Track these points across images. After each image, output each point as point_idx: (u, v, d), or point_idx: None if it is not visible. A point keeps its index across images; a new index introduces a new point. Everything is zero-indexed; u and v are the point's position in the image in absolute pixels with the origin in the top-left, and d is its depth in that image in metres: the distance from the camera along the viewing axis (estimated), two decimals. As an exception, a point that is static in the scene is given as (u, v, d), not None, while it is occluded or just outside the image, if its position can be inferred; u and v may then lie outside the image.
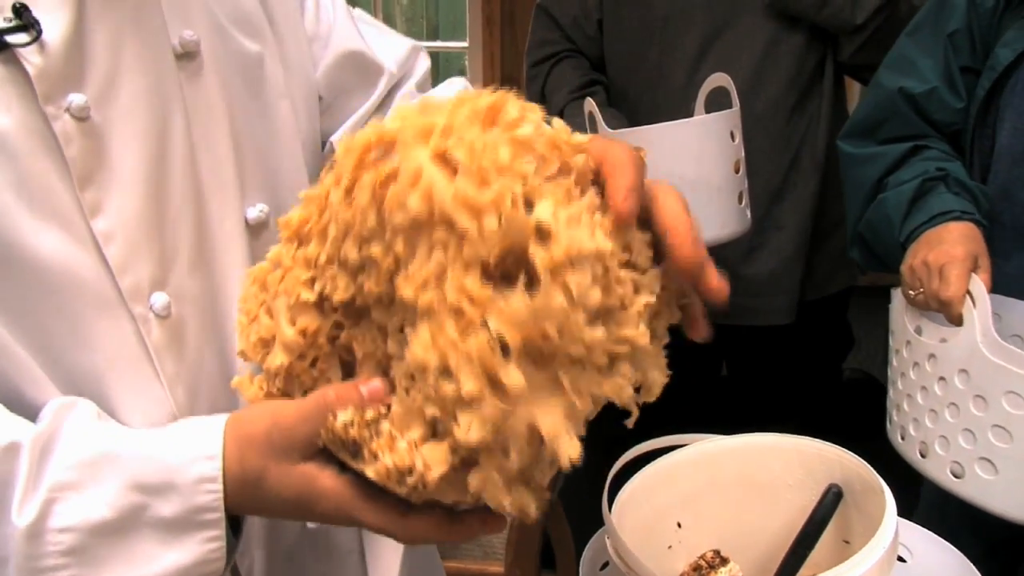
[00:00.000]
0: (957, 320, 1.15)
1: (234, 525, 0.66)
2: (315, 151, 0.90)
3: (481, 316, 0.52)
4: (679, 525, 0.88)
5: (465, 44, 3.22)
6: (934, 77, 1.38)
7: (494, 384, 0.52)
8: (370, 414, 0.59)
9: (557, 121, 0.57)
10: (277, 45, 0.84)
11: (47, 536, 0.61)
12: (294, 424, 0.61)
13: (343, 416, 0.59)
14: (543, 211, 0.52)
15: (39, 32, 0.66)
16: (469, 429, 0.53)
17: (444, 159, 0.53)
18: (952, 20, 1.36)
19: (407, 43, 1.02)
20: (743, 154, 1.37)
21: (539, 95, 1.85)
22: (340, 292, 0.60)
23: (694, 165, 1.28)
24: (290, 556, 0.85)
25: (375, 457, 0.58)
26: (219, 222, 0.77)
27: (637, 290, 0.57)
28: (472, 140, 0.53)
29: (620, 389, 0.56)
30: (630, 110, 1.74)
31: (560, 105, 1.78)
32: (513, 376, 0.51)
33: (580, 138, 0.58)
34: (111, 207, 0.69)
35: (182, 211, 0.74)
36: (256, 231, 0.80)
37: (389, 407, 0.59)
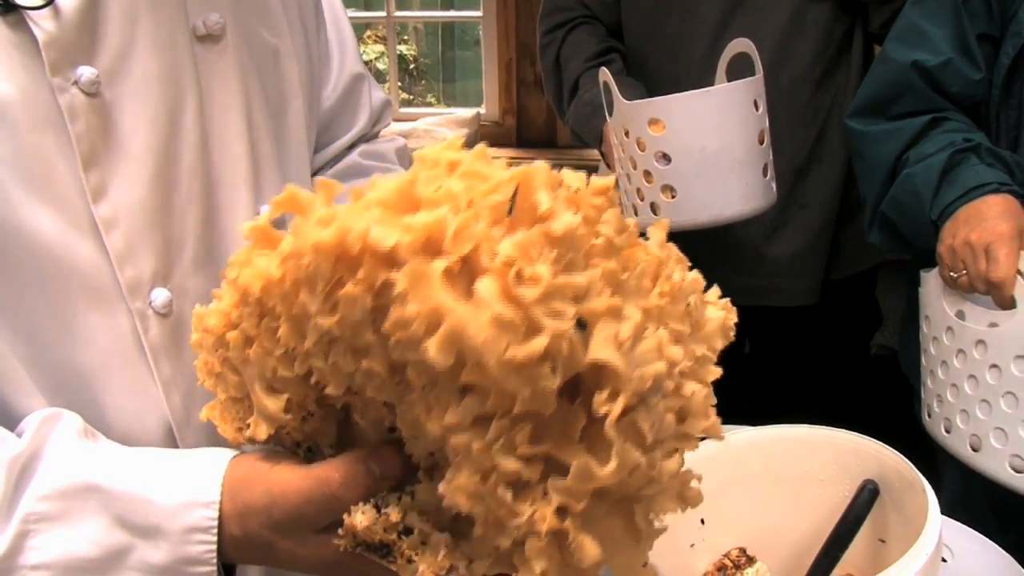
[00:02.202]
0: (1009, 303, 1.08)
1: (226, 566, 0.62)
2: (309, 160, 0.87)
3: (540, 480, 0.45)
4: (702, 522, 0.83)
5: (479, 13, 3.15)
6: (948, 48, 1.30)
7: (560, 544, 0.46)
8: (394, 514, 0.52)
9: (571, 176, 0.48)
10: (293, 45, 0.81)
11: (19, 574, 0.56)
12: (296, 507, 0.55)
13: (362, 517, 0.53)
14: (604, 349, 0.43)
15: None
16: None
17: (460, 277, 0.43)
18: None
19: (383, 97, 1.00)
20: (767, 124, 1.31)
21: (553, 62, 1.79)
22: (332, 389, 0.51)
23: (716, 136, 1.22)
24: None
25: (409, 560, 0.52)
26: (230, 218, 0.73)
27: (702, 364, 0.51)
28: (501, 255, 0.42)
29: (685, 491, 0.49)
30: (649, 80, 1.67)
31: (576, 73, 1.72)
32: (588, 551, 0.45)
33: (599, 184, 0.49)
34: (115, 192, 0.65)
35: (190, 203, 0.70)
36: None
37: (412, 494, 0.53)
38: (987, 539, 0.86)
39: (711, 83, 1.51)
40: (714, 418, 0.50)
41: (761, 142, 1.28)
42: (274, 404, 0.54)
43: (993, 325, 1.08)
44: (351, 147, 0.96)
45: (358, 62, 0.95)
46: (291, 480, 0.55)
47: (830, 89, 1.66)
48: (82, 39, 0.64)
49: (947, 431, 1.13)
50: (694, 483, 0.49)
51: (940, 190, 1.25)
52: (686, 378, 0.48)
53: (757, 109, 1.27)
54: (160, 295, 0.67)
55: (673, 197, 1.29)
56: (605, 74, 1.33)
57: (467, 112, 3.19)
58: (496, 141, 3.13)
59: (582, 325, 0.42)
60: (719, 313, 0.54)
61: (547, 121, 3.18)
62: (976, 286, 1.13)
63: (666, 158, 1.24)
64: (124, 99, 0.66)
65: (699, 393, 0.48)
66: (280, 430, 0.56)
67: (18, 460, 0.58)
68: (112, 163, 0.65)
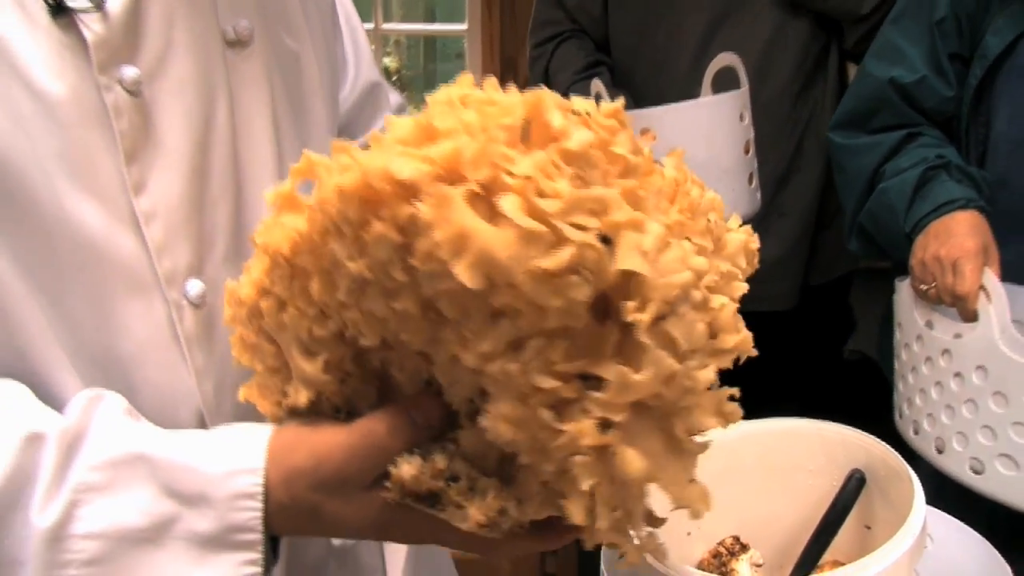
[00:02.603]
0: (972, 316, 1.14)
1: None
2: None
3: (579, 397, 0.46)
4: (699, 511, 0.87)
5: (464, 27, 3.19)
6: (923, 65, 1.37)
7: (605, 459, 0.46)
8: (440, 461, 0.53)
9: (580, 102, 0.49)
10: (313, 51, 0.84)
11: (70, 543, 0.57)
12: (342, 462, 0.56)
13: (408, 467, 0.53)
14: (630, 258, 0.43)
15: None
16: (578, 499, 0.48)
17: (482, 200, 0.43)
18: (938, 7, 1.35)
19: (399, 99, 1.04)
20: (752, 135, 1.36)
21: (542, 75, 1.84)
22: (367, 339, 0.52)
23: (704, 147, 1.28)
24: (314, 572, 0.82)
25: (459, 506, 0.53)
26: (257, 213, 0.75)
27: (728, 280, 0.52)
28: (519, 174, 0.43)
29: (723, 406, 0.50)
30: (635, 93, 1.73)
31: (565, 85, 1.77)
32: (633, 463, 0.46)
33: (608, 108, 0.50)
34: (155, 185, 0.68)
35: (221, 198, 0.73)
36: None
37: (455, 441, 0.53)
38: (966, 526, 0.91)
39: (697, 95, 1.56)
40: (745, 332, 0.50)
41: (747, 152, 1.33)
42: (312, 366, 0.55)
43: (958, 336, 1.14)
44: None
45: (374, 69, 0.99)
46: (335, 438, 0.56)
47: (808, 102, 1.73)
48: (127, 40, 0.67)
49: (915, 432, 1.19)
50: (731, 400, 0.50)
51: (913, 204, 1.32)
52: (713, 292, 0.49)
53: (743, 121, 1.33)
54: (195, 286, 0.70)
55: (662, 204, 1.34)
56: (598, 85, 1.38)
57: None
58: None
59: (606, 241, 0.43)
60: (741, 235, 0.56)
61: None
62: (944, 298, 1.20)
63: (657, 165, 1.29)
64: (162, 98, 0.69)
65: (728, 307, 0.49)
66: (320, 396, 0.57)
67: (67, 433, 0.59)
68: (151, 159, 0.68)
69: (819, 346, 1.89)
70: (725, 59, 1.39)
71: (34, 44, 0.63)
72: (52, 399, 0.63)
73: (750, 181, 1.37)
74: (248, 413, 0.64)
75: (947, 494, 1.22)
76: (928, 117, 1.39)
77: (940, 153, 1.34)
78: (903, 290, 1.29)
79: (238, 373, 0.68)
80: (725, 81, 1.47)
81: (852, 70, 1.89)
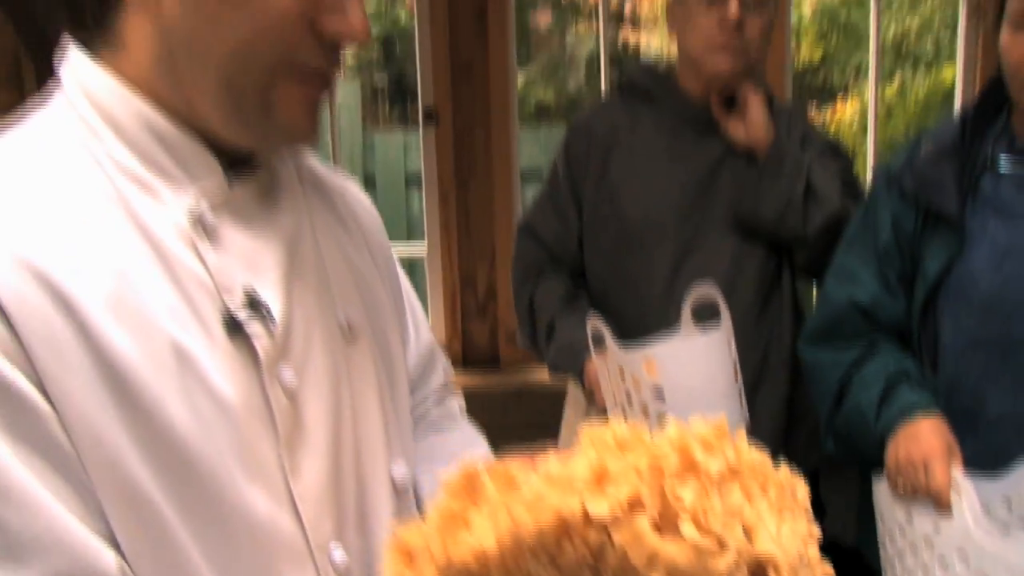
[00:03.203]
0: (947, 509, 1.32)
1: None
2: None
3: None
4: None
5: (424, 247, 3.40)
6: (875, 285, 1.60)
7: None
8: None
9: (697, 425, 0.66)
10: (398, 329, 1.00)
11: None
12: None
13: None
14: (766, 545, 0.61)
15: (270, 317, 0.80)
16: None
17: (664, 526, 0.61)
18: (881, 236, 1.59)
19: (446, 361, 1.19)
20: (738, 360, 1.55)
21: (527, 306, 2.02)
22: None
23: (702, 376, 1.45)
24: None
25: None
26: (374, 484, 0.88)
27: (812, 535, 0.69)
28: (687, 504, 0.60)
29: None
30: (614, 318, 1.91)
31: (550, 315, 1.95)
32: None
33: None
34: (305, 469, 0.81)
35: (349, 474, 0.86)
36: (401, 491, 0.92)
37: None
38: None
39: (670, 317, 1.76)
40: (828, 568, 0.67)
41: (736, 376, 1.52)
42: None
43: (936, 528, 1.31)
44: (425, 401, 1.13)
45: (429, 333, 1.13)
46: None
47: (768, 318, 1.93)
48: (284, 348, 0.81)
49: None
50: None
51: (881, 412, 1.51)
52: (808, 546, 0.66)
53: (731, 349, 1.51)
54: (338, 554, 0.82)
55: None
56: (597, 324, 1.56)
57: (414, 337, 3.38)
58: (444, 364, 3.33)
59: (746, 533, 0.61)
60: (801, 490, 0.72)
61: (490, 344, 3.43)
62: (919, 495, 1.38)
63: (659, 395, 1.47)
64: (307, 391, 0.82)
65: (828, 571, 0.67)
66: None
67: None
68: (301, 446, 0.80)
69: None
70: (704, 291, 1.59)
71: (211, 355, 0.77)
72: None
73: (740, 401, 1.54)
74: None
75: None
76: (884, 330, 1.61)
77: (900, 364, 1.55)
78: (881, 487, 1.46)
79: None
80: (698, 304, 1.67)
81: (799, 286, 2.12)
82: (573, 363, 1.87)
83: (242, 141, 0.82)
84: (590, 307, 1.96)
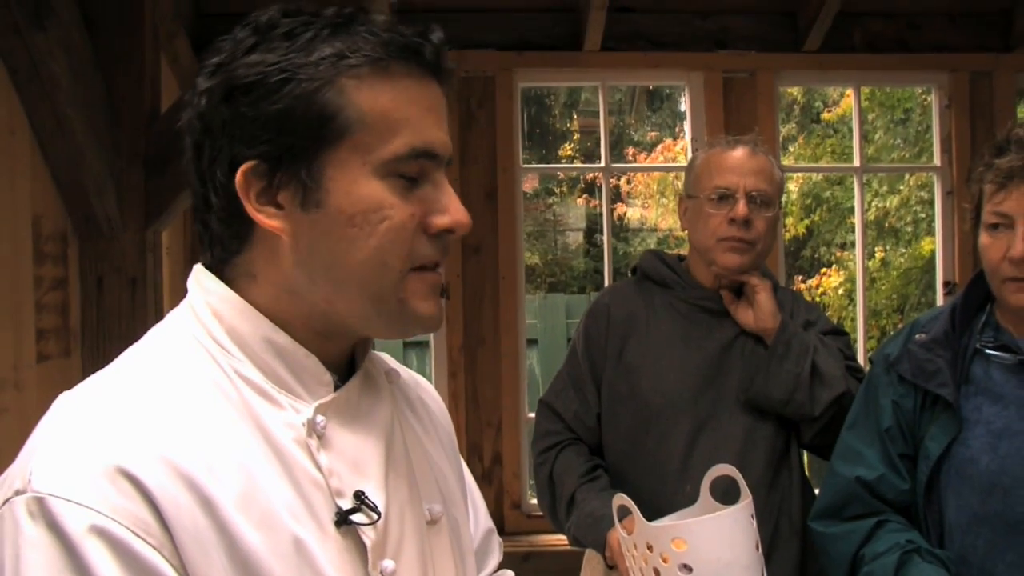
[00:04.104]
0: None
1: None
2: None
3: None
4: None
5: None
6: (880, 464, 1.72)
7: None
8: None
9: None
10: (466, 512, 1.10)
11: None
12: None
13: None
14: None
15: (378, 514, 0.90)
16: None
17: None
18: (883, 418, 1.72)
19: (500, 540, 1.28)
20: (759, 535, 1.65)
21: (547, 479, 2.11)
22: None
23: (728, 550, 1.55)
24: None
25: None
26: None
27: None
28: None
29: None
30: (631, 491, 2.00)
31: (571, 489, 2.05)
32: None
33: None
34: None
35: None
36: None
37: None
38: None
39: (686, 492, 1.86)
40: None
41: (758, 549, 1.61)
42: None
43: None
44: None
45: (487, 517, 1.22)
46: None
47: (779, 490, 2.03)
48: (386, 540, 0.91)
49: None
50: None
51: (898, 582, 1.60)
52: None
53: (753, 523, 1.62)
54: None
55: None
56: (624, 499, 1.66)
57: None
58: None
59: None
60: None
61: (495, 511, 3.49)
62: None
63: (687, 569, 1.56)
64: (402, 574, 0.92)
65: None
66: None
67: None
68: None
69: None
70: (723, 470, 1.69)
71: (323, 547, 0.87)
72: None
73: (762, 572, 1.63)
74: None
75: None
76: (891, 506, 1.72)
77: (909, 538, 1.65)
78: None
79: None
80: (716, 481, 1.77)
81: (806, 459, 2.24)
82: (595, 535, 1.96)
83: (380, 334, 0.97)
84: (608, 481, 2.06)
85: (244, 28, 0.91)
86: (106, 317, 2.57)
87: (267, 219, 0.90)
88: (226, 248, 0.94)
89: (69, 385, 0.90)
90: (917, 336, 1.73)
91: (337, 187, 0.89)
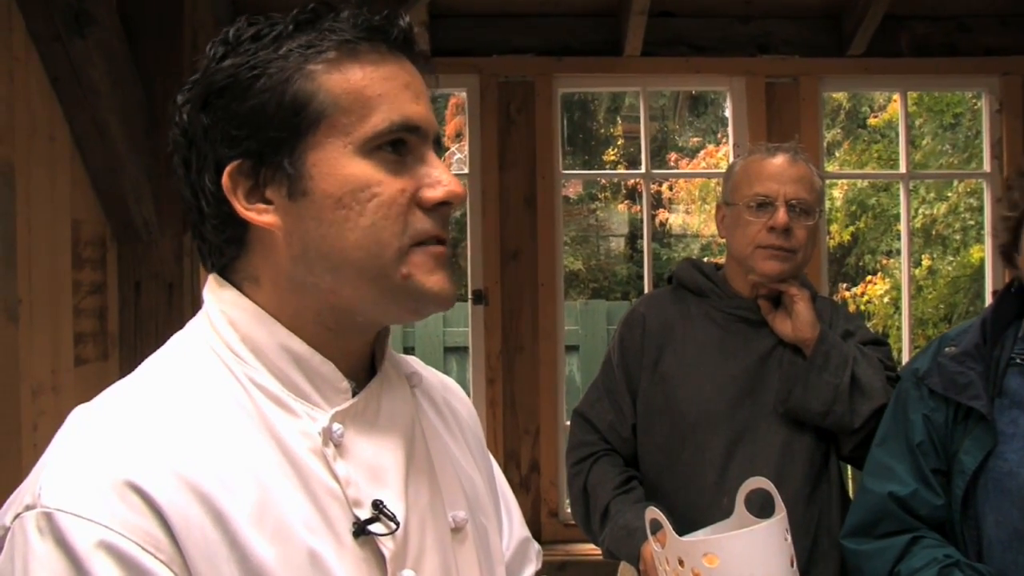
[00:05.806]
0: None
1: None
2: None
3: None
4: None
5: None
6: (912, 480, 1.68)
7: None
8: None
9: None
10: (495, 520, 1.08)
11: None
12: None
13: None
14: None
15: (396, 524, 0.89)
16: None
17: None
18: (915, 433, 1.69)
19: (538, 547, 1.25)
20: (794, 550, 1.61)
21: (582, 490, 2.09)
22: None
23: (760, 566, 1.51)
24: None
25: None
26: None
27: None
28: None
29: None
30: (666, 503, 1.98)
31: (605, 500, 2.02)
32: None
33: None
34: None
35: None
36: None
37: None
38: None
39: (722, 505, 1.82)
40: None
41: (792, 565, 1.58)
42: None
43: None
44: None
45: (524, 527, 1.20)
46: None
47: (817, 503, 1.99)
48: (405, 549, 0.90)
49: None
50: None
51: (938, 599, 1.56)
52: None
53: (787, 539, 1.58)
54: None
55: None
56: (656, 512, 1.63)
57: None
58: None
59: None
60: None
61: (531, 519, 3.46)
62: None
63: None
64: None
65: None
66: None
67: None
68: None
69: None
70: (757, 483, 1.66)
71: (340, 558, 0.86)
72: None
73: (797, 588, 1.60)
74: None
75: None
76: (925, 522, 1.67)
77: (947, 553, 1.61)
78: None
79: None
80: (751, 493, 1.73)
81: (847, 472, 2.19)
82: (629, 548, 1.93)
83: (392, 317, 0.95)
84: (643, 492, 2.03)
85: (215, 44, 0.93)
86: (143, 321, 2.59)
87: (258, 216, 0.90)
88: (224, 255, 0.94)
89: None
90: (947, 349, 1.70)
91: (321, 172, 0.89)
